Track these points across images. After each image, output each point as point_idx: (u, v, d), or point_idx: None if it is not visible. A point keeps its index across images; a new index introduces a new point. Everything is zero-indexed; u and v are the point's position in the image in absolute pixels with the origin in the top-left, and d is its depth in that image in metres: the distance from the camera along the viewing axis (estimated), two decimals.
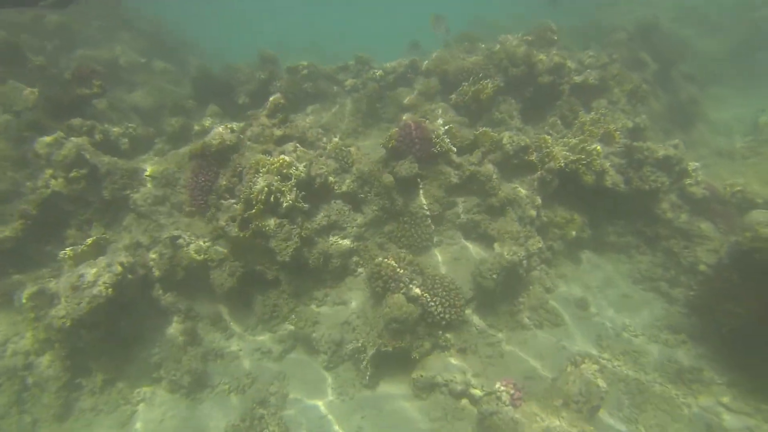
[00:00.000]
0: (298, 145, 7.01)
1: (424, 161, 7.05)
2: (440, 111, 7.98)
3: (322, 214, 6.78)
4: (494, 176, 7.03)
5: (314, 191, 6.68)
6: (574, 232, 7.45)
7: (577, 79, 8.37)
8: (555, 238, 7.63)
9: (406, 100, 8.60)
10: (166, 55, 12.84)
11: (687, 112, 10.50)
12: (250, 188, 6.09)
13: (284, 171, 6.18)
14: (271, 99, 7.16)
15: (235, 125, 7.28)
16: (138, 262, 6.16)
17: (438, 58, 8.89)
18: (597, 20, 16.35)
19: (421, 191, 7.17)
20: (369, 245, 7.18)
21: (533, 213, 7.05)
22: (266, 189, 6.00)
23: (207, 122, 8.19)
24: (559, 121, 8.26)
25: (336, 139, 7.22)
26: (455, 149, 7.12)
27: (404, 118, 8.35)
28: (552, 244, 7.62)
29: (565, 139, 7.45)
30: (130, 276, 5.51)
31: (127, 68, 10.89)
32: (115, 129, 7.55)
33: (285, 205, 6.08)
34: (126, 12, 12.78)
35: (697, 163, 7.36)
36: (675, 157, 7.16)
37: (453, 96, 8.32)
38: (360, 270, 7.10)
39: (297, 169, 6.27)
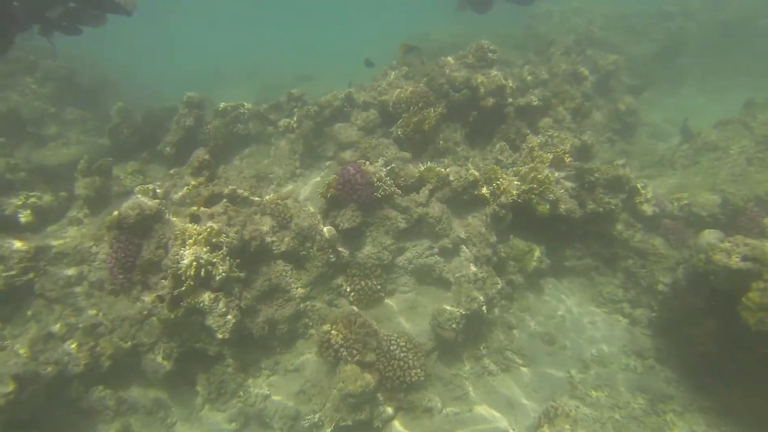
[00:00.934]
0: (229, 204, 6.45)
1: (368, 207, 6.65)
2: (381, 147, 7.60)
3: (261, 278, 6.25)
4: (444, 216, 6.71)
5: (251, 255, 6.14)
6: (533, 264, 7.23)
7: (521, 101, 8.22)
8: (514, 272, 7.40)
9: (344, 137, 8.18)
10: (83, 99, 11.85)
11: (627, 122, 10.65)
12: (178, 263, 5.48)
13: (213, 240, 5.61)
14: (194, 155, 6.58)
15: (158, 186, 6.65)
16: (48, 359, 5.42)
17: (375, 88, 8.54)
18: (533, 29, 16.61)
19: (367, 239, 6.75)
20: (317, 304, 6.71)
21: (489, 251, 6.77)
22: (195, 263, 5.41)
23: (128, 181, 7.47)
24: (506, 146, 8.06)
25: (269, 197, 6.69)
26: (399, 191, 6.75)
27: (343, 156, 7.96)
28: (512, 278, 7.38)
29: (515, 168, 7.22)
30: (31, 387, 4.78)
31: (33, 120, 9.92)
32: (14, 201, 6.73)
33: (218, 278, 5.51)
34: (29, 52, 11.56)
35: (645, 181, 7.32)
36: (625, 177, 7.08)
37: (394, 129, 7.97)
38: (311, 331, 6.62)
39: (227, 236, 5.71)
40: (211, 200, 6.38)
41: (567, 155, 7.50)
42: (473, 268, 6.65)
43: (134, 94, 15.86)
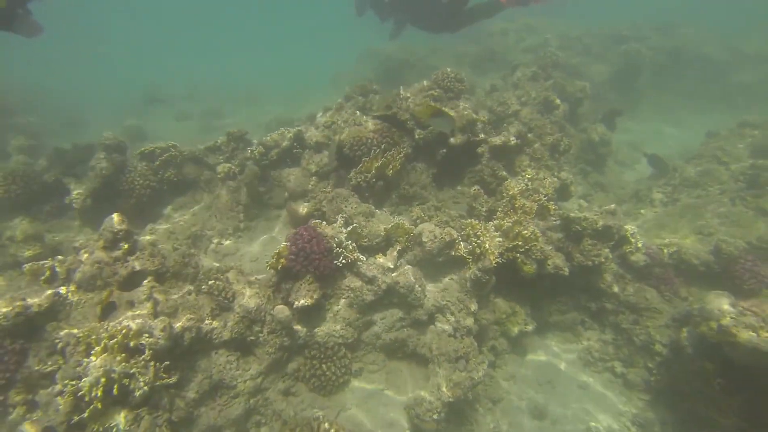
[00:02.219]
0: (155, 284, 5.25)
1: (327, 278, 5.64)
2: (339, 200, 6.59)
3: (200, 376, 5.09)
4: (416, 284, 5.79)
5: (185, 349, 4.97)
6: (516, 329, 6.44)
7: (497, 141, 7.46)
8: (496, 336, 6.57)
9: (294, 185, 7.13)
10: None
11: (598, 152, 10.21)
12: (79, 379, 4.25)
13: (132, 344, 4.41)
14: (107, 223, 5.34)
15: (58, 262, 5.35)
16: None
17: (328, 127, 7.54)
18: (489, 47, 16.17)
19: (328, 315, 5.73)
20: (271, 395, 5.61)
21: (470, 321, 5.90)
22: (104, 379, 4.20)
23: (16, 249, 6.07)
24: (481, 191, 7.26)
25: (206, 271, 5.55)
26: (363, 257, 5.79)
27: (295, 207, 6.90)
28: (494, 344, 6.55)
29: (496, 221, 6.41)
30: None
31: None
32: None
33: (139, 393, 4.31)
34: None
35: (635, 228, 6.71)
36: (615, 226, 6.43)
37: (353, 175, 7.00)
38: (263, 430, 5.49)
39: (151, 335, 4.52)
40: (130, 281, 5.16)
41: (551, 203, 6.78)
42: (453, 344, 5.76)
43: (43, 123, 14.07)
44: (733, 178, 8.52)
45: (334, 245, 5.66)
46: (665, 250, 7.02)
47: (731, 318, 5.27)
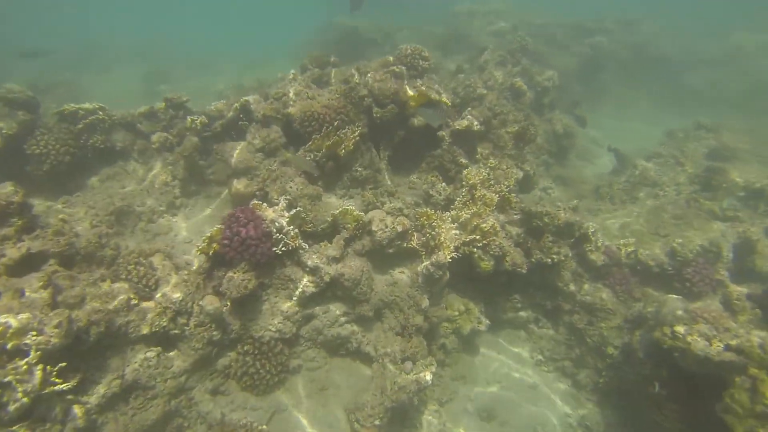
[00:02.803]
0: (58, 269, 4.52)
1: (265, 266, 5.07)
2: (285, 179, 5.98)
3: (109, 377, 4.45)
4: (363, 277, 5.31)
5: (92, 345, 4.31)
6: (469, 327, 6.10)
7: (461, 125, 7.00)
8: (447, 334, 6.22)
9: (238, 161, 6.44)
10: None
11: (561, 144, 9.98)
12: None
13: (9, 345, 3.70)
14: None
15: None
16: None
17: (278, 99, 6.84)
18: (455, 28, 15.66)
19: (264, 307, 5.18)
20: (196, 395, 5.05)
21: (419, 319, 5.49)
22: None
23: None
24: (439, 178, 6.83)
25: (126, 252, 4.88)
26: (305, 245, 5.24)
27: (237, 186, 6.24)
28: (444, 342, 6.21)
29: (453, 212, 5.99)
30: None
31: None
32: None
33: (15, 407, 3.63)
34: None
35: (594, 225, 6.46)
36: (577, 223, 6.15)
37: (301, 153, 6.38)
38: None
39: (41, 333, 3.83)
40: (24, 265, 4.40)
41: (513, 195, 6.43)
42: (400, 344, 5.35)
43: None
44: (689, 180, 8.47)
45: (274, 230, 5.08)
46: (623, 250, 6.84)
47: (684, 324, 5.11)
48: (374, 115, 6.98)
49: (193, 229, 6.26)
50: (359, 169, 6.80)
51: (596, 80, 16.78)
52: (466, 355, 6.68)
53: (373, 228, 5.45)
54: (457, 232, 5.76)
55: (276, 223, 5.13)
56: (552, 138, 9.82)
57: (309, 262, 5.20)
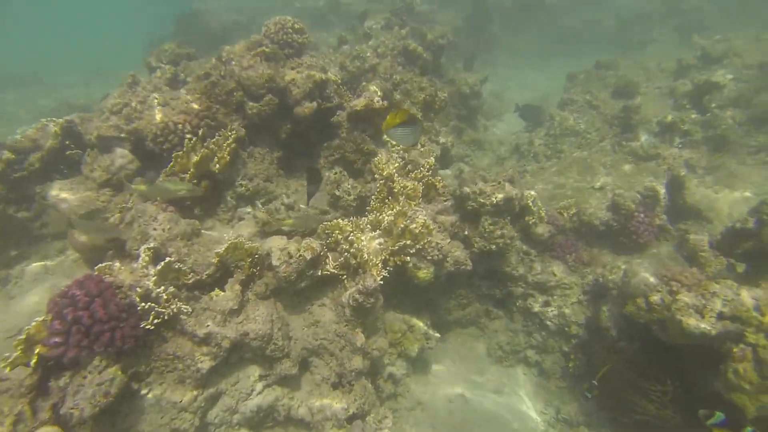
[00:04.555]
0: None
1: (134, 349, 3.64)
2: (146, 219, 4.45)
3: None
4: (275, 329, 4.05)
5: None
6: (416, 347, 5.09)
7: (358, 105, 5.81)
8: (393, 361, 5.16)
9: (73, 205, 4.77)
10: None
11: (469, 106, 9.17)
12: None
13: None
14: None
15: None
16: None
17: (118, 112, 5.18)
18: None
19: (147, 401, 3.76)
20: None
21: (357, 361, 4.35)
22: None
23: None
24: (344, 174, 5.65)
25: None
26: (188, 308, 3.86)
27: (77, 237, 4.63)
28: (392, 371, 5.15)
29: (371, 216, 4.85)
30: None
31: None
32: None
33: None
34: None
35: (533, 193, 5.66)
36: (516, 196, 5.28)
37: (162, 180, 4.86)
38: None
39: None
40: None
41: (438, 178, 5.41)
42: (340, 399, 4.19)
43: None
44: (607, 123, 8.03)
45: (140, 299, 3.63)
46: (565, 214, 6.14)
47: (657, 292, 4.46)
48: (249, 111, 5.59)
49: (23, 313, 4.53)
50: (243, 182, 5.42)
51: (486, 33, 16.32)
52: (419, 376, 5.68)
53: (274, 262, 4.16)
54: (382, 240, 4.63)
55: (138, 288, 3.67)
56: (458, 100, 8.97)
57: (198, 331, 3.82)
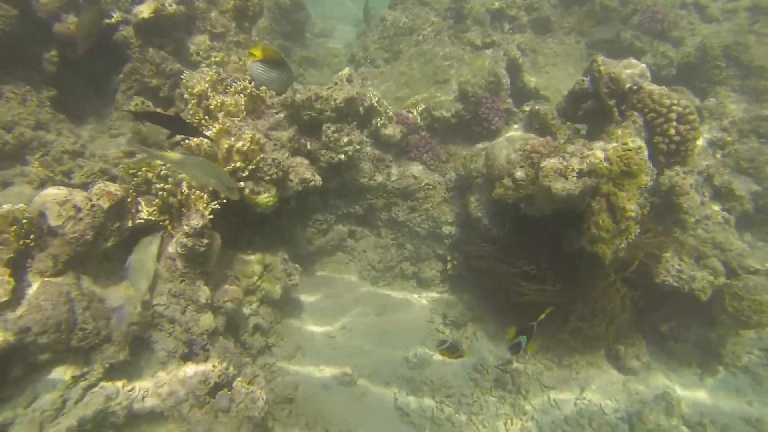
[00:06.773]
0: None
1: None
2: None
3: None
4: (79, 310, 3.03)
5: None
6: (278, 287, 4.44)
7: (142, 14, 4.52)
8: (256, 310, 4.43)
9: None
10: None
11: (293, 20, 8.11)
12: None
13: None
14: None
15: None
16: None
17: None
18: None
19: None
20: None
21: (208, 320, 3.53)
22: None
23: None
24: (148, 104, 4.48)
25: None
26: None
27: None
28: (257, 321, 4.44)
29: (186, 143, 3.84)
30: None
31: None
32: None
33: None
34: None
35: (377, 93, 5.07)
36: (359, 96, 4.63)
37: None
38: None
39: None
40: None
41: (265, 90, 4.49)
42: (195, 374, 3.37)
43: None
44: (440, 17, 7.66)
45: None
46: (414, 111, 5.71)
47: (521, 167, 4.27)
48: None
49: None
50: (6, 136, 3.98)
51: None
52: (292, 320, 5.03)
53: (53, 222, 3.02)
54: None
55: None
56: (279, 15, 7.88)
57: None
